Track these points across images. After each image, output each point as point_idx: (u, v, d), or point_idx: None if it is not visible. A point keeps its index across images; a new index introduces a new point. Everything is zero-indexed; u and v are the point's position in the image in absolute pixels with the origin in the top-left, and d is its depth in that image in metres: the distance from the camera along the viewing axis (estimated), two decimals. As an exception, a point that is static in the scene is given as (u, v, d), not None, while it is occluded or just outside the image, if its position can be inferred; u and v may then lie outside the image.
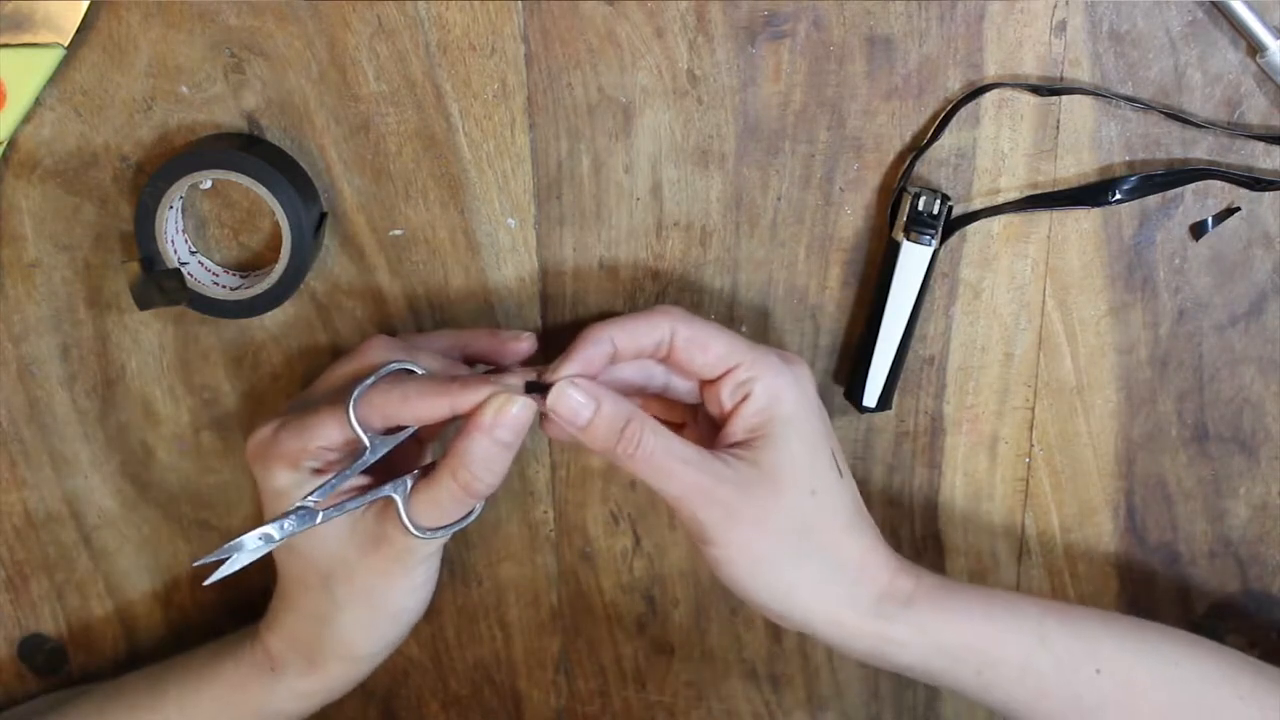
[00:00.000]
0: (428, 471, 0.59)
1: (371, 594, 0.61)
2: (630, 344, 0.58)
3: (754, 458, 0.57)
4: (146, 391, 0.67)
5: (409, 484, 0.59)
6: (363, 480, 0.60)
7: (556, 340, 0.65)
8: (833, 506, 0.59)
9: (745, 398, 0.58)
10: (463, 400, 0.57)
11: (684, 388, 0.61)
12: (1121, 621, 0.61)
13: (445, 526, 0.59)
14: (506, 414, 0.56)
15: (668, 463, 0.57)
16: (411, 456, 0.63)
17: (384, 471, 0.60)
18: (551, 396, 0.57)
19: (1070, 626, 0.59)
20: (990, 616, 0.59)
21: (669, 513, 0.70)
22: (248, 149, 0.60)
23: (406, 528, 0.58)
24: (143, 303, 0.60)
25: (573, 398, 0.57)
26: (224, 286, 0.63)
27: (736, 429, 0.58)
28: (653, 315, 0.59)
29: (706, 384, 0.60)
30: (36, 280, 0.65)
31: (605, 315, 0.65)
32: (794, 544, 0.57)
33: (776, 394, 0.58)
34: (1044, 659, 0.58)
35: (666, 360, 0.59)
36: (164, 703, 0.66)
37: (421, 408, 0.57)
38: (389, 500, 0.59)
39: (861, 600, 0.58)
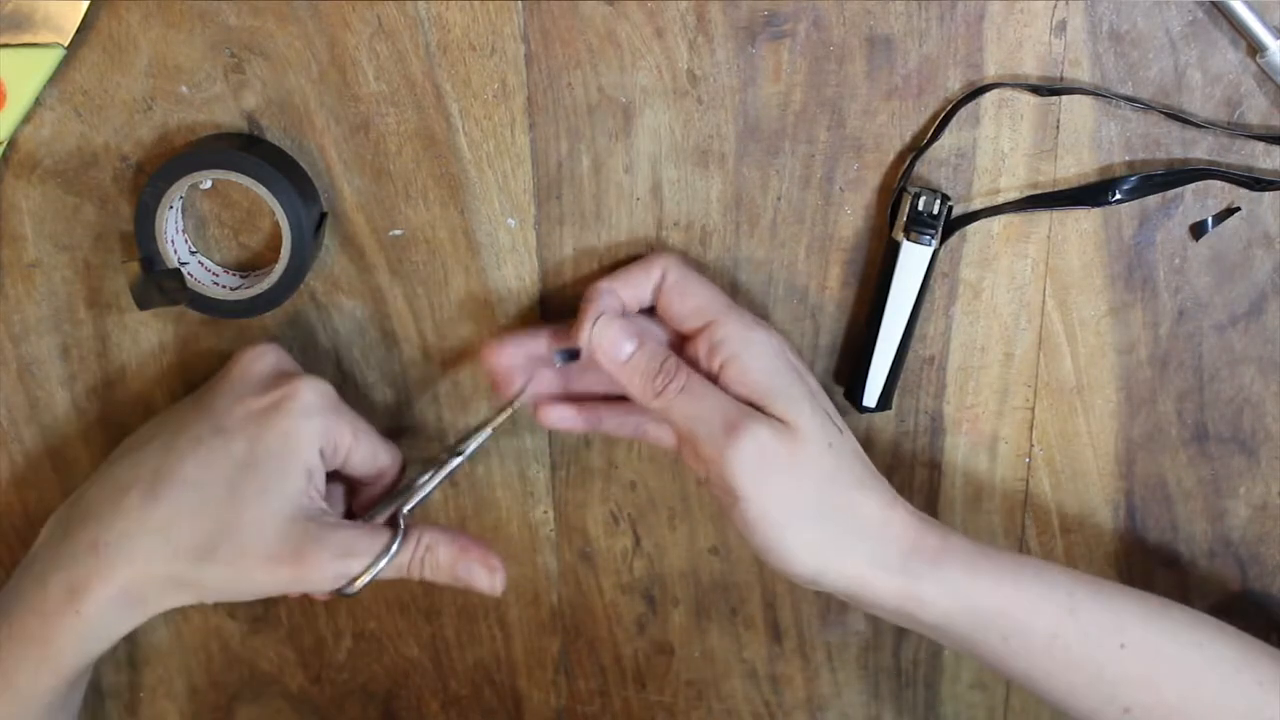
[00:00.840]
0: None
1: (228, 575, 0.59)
2: (633, 293, 0.60)
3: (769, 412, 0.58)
4: (146, 391, 0.67)
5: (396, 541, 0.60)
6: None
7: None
8: (848, 460, 0.59)
9: (727, 363, 0.58)
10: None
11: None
12: (1150, 600, 0.60)
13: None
14: (487, 576, 0.62)
15: (704, 396, 0.57)
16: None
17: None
18: (596, 331, 0.58)
19: (1100, 599, 0.59)
20: (1021, 583, 0.58)
21: (669, 513, 0.70)
22: (248, 149, 0.60)
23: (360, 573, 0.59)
24: (143, 303, 0.60)
25: (615, 332, 0.58)
26: (224, 286, 0.63)
27: (735, 392, 0.59)
28: (650, 261, 0.61)
29: (686, 340, 0.61)
30: (36, 280, 0.65)
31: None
32: (822, 497, 0.57)
33: (758, 359, 0.58)
34: (1072, 630, 0.58)
35: (655, 304, 0.61)
36: None
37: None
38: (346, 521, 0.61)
39: (889, 557, 0.58)
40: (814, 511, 0.57)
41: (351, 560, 0.58)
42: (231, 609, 0.72)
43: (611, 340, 0.59)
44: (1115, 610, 0.59)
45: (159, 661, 0.74)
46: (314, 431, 0.59)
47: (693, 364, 0.60)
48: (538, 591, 0.72)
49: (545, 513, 0.70)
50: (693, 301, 0.60)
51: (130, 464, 0.60)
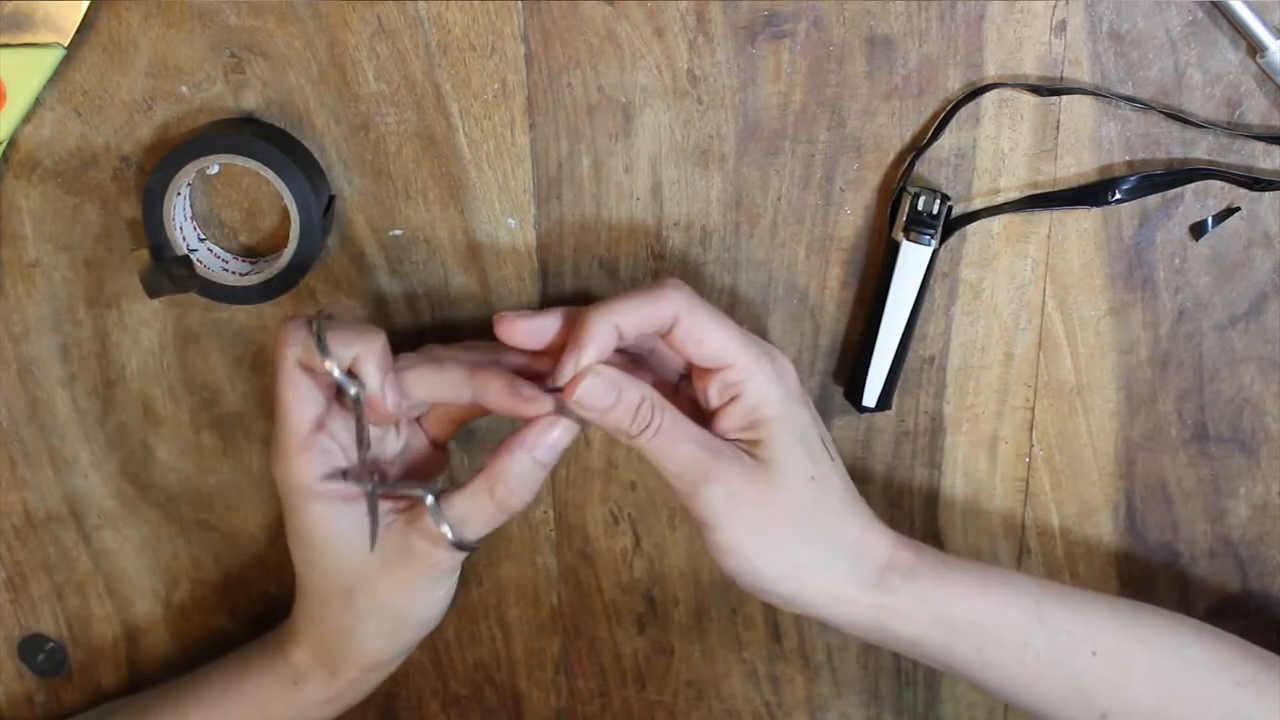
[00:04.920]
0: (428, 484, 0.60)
1: (395, 607, 0.61)
2: (635, 329, 0.58)
3: (751, 451, 0.58)
4: (146, 391, 0.67)
5: (434, 495, 0.59)
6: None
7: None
8: (831, 488, 0.59)
9: (733, 399, 0.58)
10: (501, 402, 0.58)
11: (672, 360, 0.62)
12: (1123, 605, 0.61)
13: (478, 541, 0.60)
14: (550, 435, 0.58)
15: (677, 441, 0.57)
16: (433, 463, 0.64)
17: (406, 476, 0.62)
18: (580, 390, 0.57)
19: (1069, 607, 0.59)
20: (989, 592, 0.59)
21: (669, 513, 0.70)
22: (253, 133, 0.60)
23: (447, 539, 0.58)
24: (152, 290, 0.60)
25: (597, 389, 0.57)
26: (233, 272, 0.63)
27: (726, 425, 0.58)
28: (659, 300, 0.57)
29: (696, 369, 0.60)
30: (36, 280, 0.65)
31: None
32: (798, 526, 0.58)
33: (763, 396, 0.58)
34: (1041, 637, 0.58)
35: (664, 338, 0.59)
36: None
37: (444, 385, 0.59)
38: (414, 514, 0.59)
39: (866, 574, 0.59)
40: (792, 538, 0.58)
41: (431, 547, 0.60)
42: (232, 609, 0.72)
43: (593, 398, 0.57)
44: (1085, 618, 0.59)
45: (159, 662, 0.73)
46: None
47: (699, 393, 0.59)
48: (538, 591, 0.72)
49: (545, 513, 0.70)
50: (709, 346, 0.58)
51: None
